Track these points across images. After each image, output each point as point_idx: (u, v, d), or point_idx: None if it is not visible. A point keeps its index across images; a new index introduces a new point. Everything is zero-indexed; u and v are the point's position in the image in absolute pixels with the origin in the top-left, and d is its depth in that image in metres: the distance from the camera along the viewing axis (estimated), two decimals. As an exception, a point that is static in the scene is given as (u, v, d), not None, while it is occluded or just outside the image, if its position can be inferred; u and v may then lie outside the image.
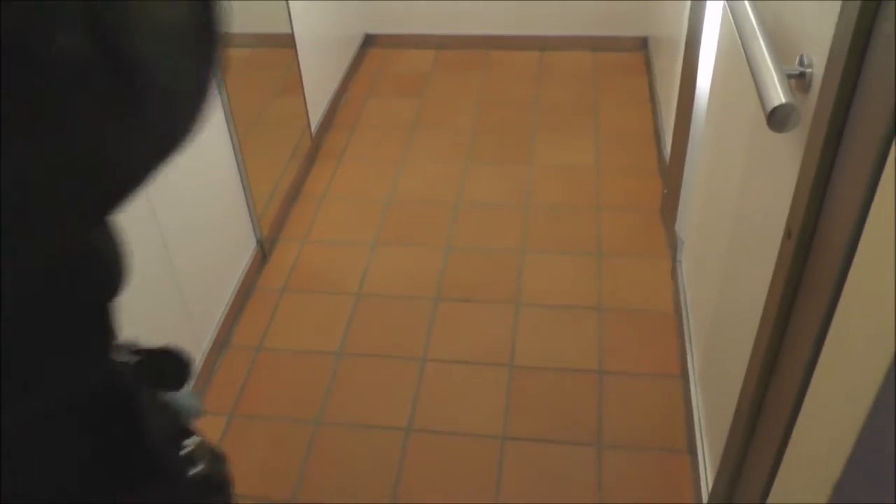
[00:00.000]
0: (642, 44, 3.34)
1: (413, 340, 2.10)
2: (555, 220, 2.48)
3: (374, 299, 2.24)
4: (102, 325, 0.54)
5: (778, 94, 0.90)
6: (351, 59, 3.31)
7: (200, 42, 0.44)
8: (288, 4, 2.47)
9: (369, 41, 3.50)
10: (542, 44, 3.40)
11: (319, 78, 2.90)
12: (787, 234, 0.98)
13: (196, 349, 1.96)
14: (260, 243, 2.32)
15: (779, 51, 0.99)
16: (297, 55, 2.58)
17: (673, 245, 2.24)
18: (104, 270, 0.53)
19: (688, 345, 1.91)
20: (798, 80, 0.97)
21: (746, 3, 1.11)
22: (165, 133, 0.44)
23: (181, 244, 1.81)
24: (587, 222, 2.46)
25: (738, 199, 1.44)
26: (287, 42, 2.54)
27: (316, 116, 2.84)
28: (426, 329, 2.13)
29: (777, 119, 0.90)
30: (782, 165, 1.08)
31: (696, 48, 2.00)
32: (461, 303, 2.21)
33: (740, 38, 1.06)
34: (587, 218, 2.48)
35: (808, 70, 0.96)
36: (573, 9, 3.30)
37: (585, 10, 3.30)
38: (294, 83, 2.63)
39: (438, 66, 3.36)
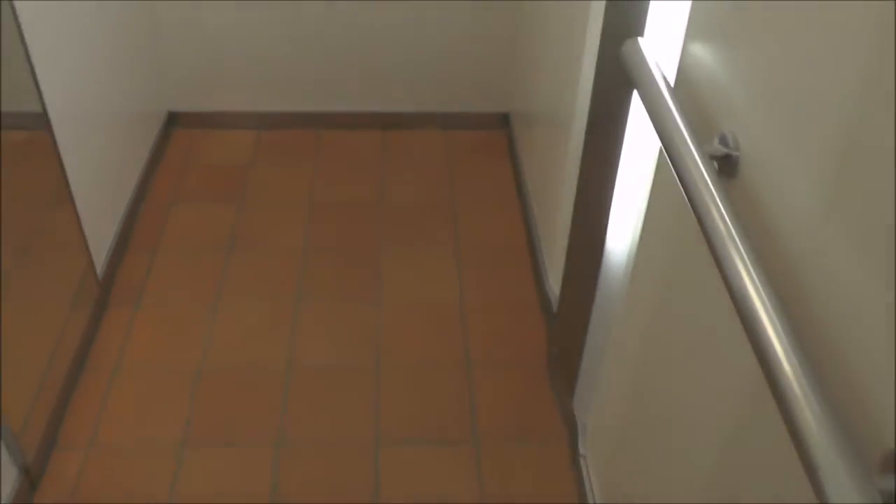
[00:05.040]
0: (502, 121, 2.87)
1: None
2: (415, 387, 1.97)
3: (179, 542, 1.65)
4: None
5: None
6: (150, 147, 2.65)
7: None
8: (33, 71, 1.76)
9: (173, 120, 2.83)
10: (384, 121, 2.86)
11: (100, 178, 2.23)
12: None
13: None
14: (25, 469, 1.67)
15: None
16: (55, 146, 1.88)
17: (571, 422, 1.78)
18: None
19: None
20: None
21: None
22: None
23: None
24: (456, 389, 1.96)
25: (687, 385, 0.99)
26: (37, 123, 1.84)
27: (101, 239, 2.18)
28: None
29: None
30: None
31: (609, 134, 1.53)
32: (300, 537, 1.66)
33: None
34: (455, 382, 1.98)
35: None
36: (420, 79, 2.78)
37: (434, 81, 2.78)
38: (59, 188, 1.94)
39: (260, 154, 2.75)
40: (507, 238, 2.42)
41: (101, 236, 2.19)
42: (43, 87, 1.79)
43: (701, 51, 0.99)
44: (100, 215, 2.19)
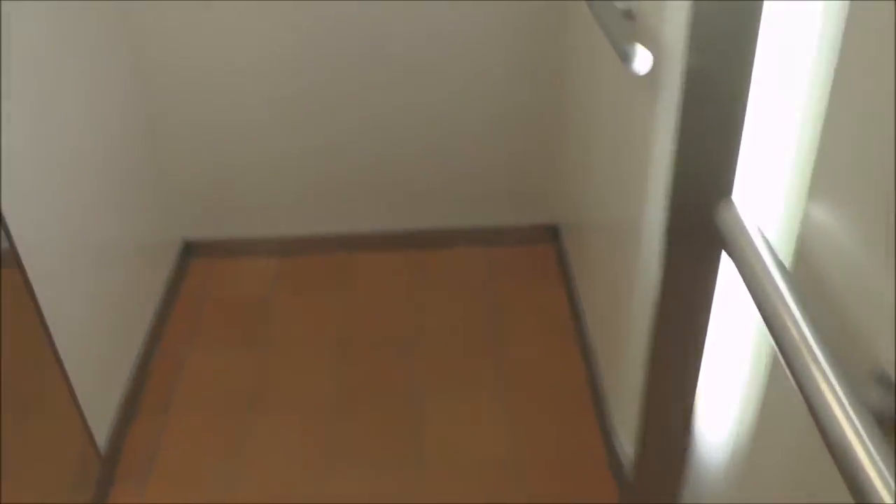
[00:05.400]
0: (550, 234, 2.58)
1: None
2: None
3: None
4: None
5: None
6: (163, 284, 2.41)
7: None
8: None
9: (190, 251, 2.60)
10: (419, 240, 2.59)
11: (98, 328, 1.98)
12: None
13: None
14: None
15: None
16: (31, 292, 1.60)
17: None
18: None
19: None
20: None
21: None
22: None
23: None
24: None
25: None
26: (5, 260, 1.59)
27: (103, 403, 1.92)
28: None
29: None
30: None
31: (691, 267, 1.23)
32: None
33: None
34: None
35: None
36: (456, 191, 2.51)
37: (472, 192, 2.52)
38: (39, 344, 1.68)
39: (283, 284, 2.49)
40: (564, 375, 2.10)
41: (102, 401, 1.93)
42: (9, 219, 1.53)
43: (838, 225, 0.69)
44: (99, 375, 1.93)
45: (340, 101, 2.32)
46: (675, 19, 1.12)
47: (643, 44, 1.24)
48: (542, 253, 2.55)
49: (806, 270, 0.76)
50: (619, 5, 1.42)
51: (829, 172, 0.74)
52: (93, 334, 1.92)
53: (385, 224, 2.58)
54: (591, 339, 2.09)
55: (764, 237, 0.74)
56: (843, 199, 0.70)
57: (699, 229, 1.08)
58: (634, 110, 1.49)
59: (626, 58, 1.15)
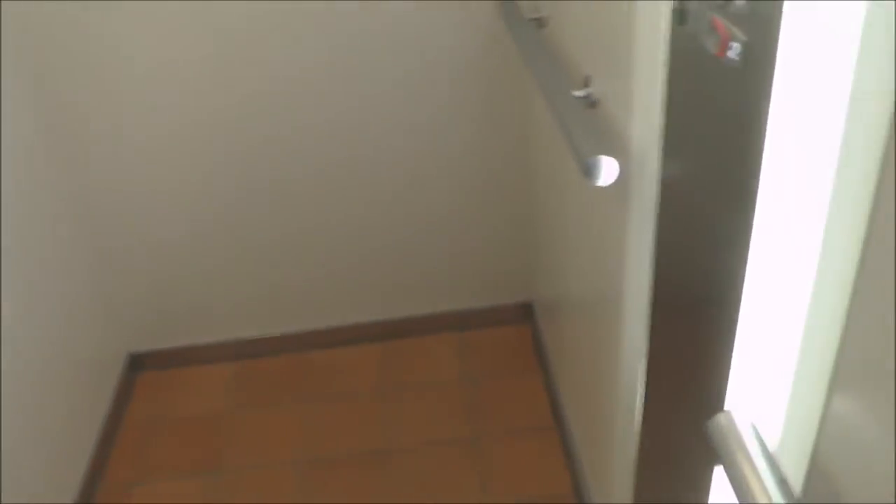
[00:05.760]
0: (525, 313, 2.39)
1: None
2: None
3: None
4: None
5: None
6: (106, 406, 2.18)
7: None
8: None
9: (137, 364, 2.38)
10: (386, 331, 2.39)
11: (34, 461, 1.76)
12: None
13: None
14: None
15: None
16: None
17: None
18: None
19: None
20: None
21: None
22: None
23: None
24: None
25: None
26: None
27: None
28: None
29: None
30: None
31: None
32: None
33: None
34: None
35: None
36: (424, 276, 2.32)
37: (440, 275, 2.33)
38: None
39: (237, 396, 2.27)
40: (548, 487, 1.90)
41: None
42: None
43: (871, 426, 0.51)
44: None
45: (294, 194, 2.13)
46: (648, 105, 0.94)
47: (607, 142, 1.06)
48: (518, 334, 2.36)
49: (822, 489, 0.58)
50: (579, 93, 1.25)
51: (861, 351, 0.55)
52: (27, 470, 1.69)
53: (348, 318, 2.38)
54: (573, 439, 1.89)
55: (765, 449, 0.56)
56: (881, 389, 0.52)
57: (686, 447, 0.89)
58: (607, 216, 1.30)
59: (586, 173, 0.97)
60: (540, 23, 1.67)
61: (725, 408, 0.68)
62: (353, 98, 1.98)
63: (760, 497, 0.57)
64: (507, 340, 2.34)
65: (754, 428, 0.61)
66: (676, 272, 0.96)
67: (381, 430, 2.10)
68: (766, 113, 0.59)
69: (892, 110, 0.50)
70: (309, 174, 2.10)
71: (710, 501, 0.87)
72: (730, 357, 0.73)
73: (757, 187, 0.63)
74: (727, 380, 0.74)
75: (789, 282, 0.65)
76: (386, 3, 1.86)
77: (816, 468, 0.60)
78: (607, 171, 0.96)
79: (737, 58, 0.59)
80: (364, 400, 2.20)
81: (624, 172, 1.01)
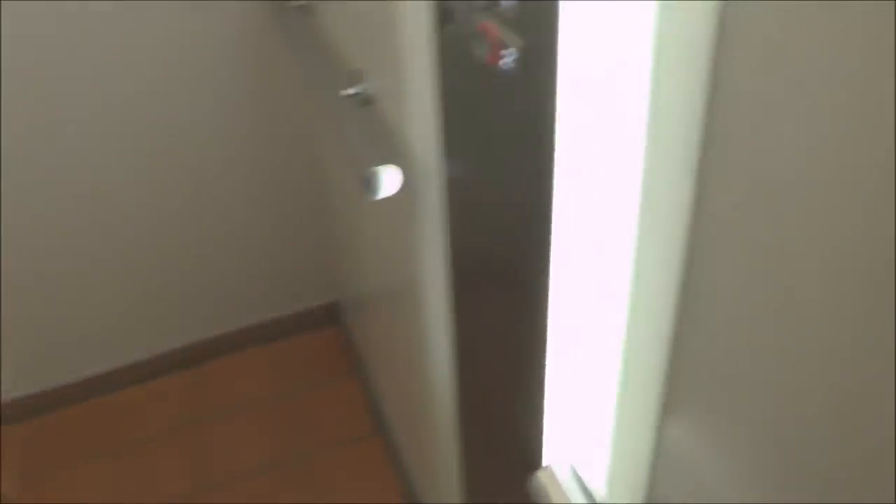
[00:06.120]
0: (332, 314, 2.29)
1: None
2: None
3: None
4: None
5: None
6: None
7: None
8: None
9: None
10: (190, 357, 2.20)
11: None
12: None
13: None
14: None
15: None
16: None
17: None
18: None
19: None
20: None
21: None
22: None
23: None
24: None
25: None
26: None
27: None
28: None
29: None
30: None
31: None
32: None
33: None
34: None
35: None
36: (220, 293, 2.15)
37: (237, 289, 2.17)
38: None
39: (21, 463, 2.01)
40: (380, 496, 1.83)
41: None
42: None
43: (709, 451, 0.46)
44: None
45: (45, 220, 1.89)
46: (423, 105, 0.86)
47: (385, 149, 0.97)
48: (330, 338, 2.25)
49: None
50: (351, 90, 1.15)
51: (695, 373, 0.50)
52: None
53: (145, 350, 2.17)
54: (399, 444, 1.82)
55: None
56: (719, 412, 0.47)
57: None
58: (395, 213, 1.22)
59: (365, 186, 0.87)
60: (306, 11, 1.56)
61: (544, 464, 0.62)
62: (112, 101, 1.77)
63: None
64: (319, 346, 2.23)
65: (577, 478, 0.56)
66: (473, 263, 0.90)
67: (192, 469, 1.93)
68: (554, 110, 0.52)
69: (699, 109, 0.44)
70: (64, 198, 1.87)
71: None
72: (543, 360, 0.67)
73: (552, 184, 0.57)
74: (544, 372, 0.68)
75: (605, 292, 0.60)
76: (142, 2, 1.66)
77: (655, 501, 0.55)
78: (388, 182, 0.88)
79: (513, 65, 0.52)
80: (172, 442, 2.01)
81: (406, 174, 0.93)
